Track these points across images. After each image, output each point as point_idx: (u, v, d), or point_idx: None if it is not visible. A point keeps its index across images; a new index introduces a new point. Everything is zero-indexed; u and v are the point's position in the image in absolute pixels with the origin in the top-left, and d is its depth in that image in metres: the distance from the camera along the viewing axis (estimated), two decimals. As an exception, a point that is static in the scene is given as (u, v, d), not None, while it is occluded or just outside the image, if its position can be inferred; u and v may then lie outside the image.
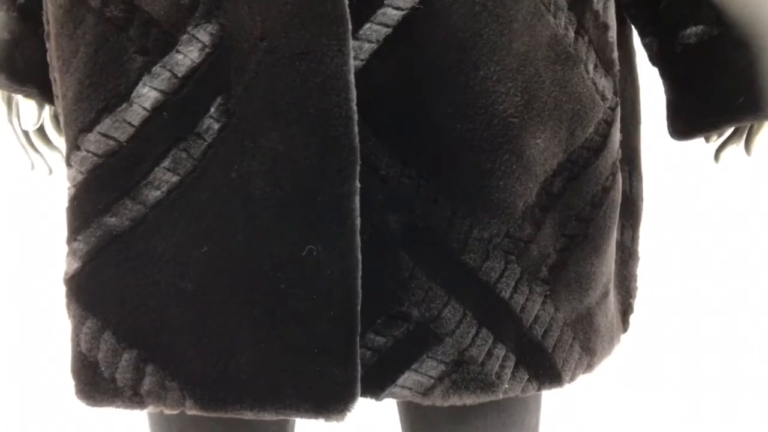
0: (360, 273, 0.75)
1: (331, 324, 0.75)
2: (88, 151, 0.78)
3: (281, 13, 0.71)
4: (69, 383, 0.83)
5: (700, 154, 1.02)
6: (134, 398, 0.80)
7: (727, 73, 0.89)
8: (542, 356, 0.83)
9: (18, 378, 1.96)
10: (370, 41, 0.74)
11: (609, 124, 0.86)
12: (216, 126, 0.75)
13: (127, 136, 0.76)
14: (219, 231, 0.75)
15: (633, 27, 0.98)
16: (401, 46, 0.74)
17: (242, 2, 0.72)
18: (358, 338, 0.76)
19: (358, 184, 0.74)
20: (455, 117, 0.76)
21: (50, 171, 1.01)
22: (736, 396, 1.93)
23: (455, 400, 0.82)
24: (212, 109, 0.74)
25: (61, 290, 0.83)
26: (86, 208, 0.79)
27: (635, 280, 1.03)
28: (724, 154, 0.96)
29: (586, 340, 0.87)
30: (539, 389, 0.85)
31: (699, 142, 0.96)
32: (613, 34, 0.87)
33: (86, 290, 0.80)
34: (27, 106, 0.95)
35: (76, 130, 0.78)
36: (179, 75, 0.74)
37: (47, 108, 0.98)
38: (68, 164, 0.80)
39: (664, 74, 0.94)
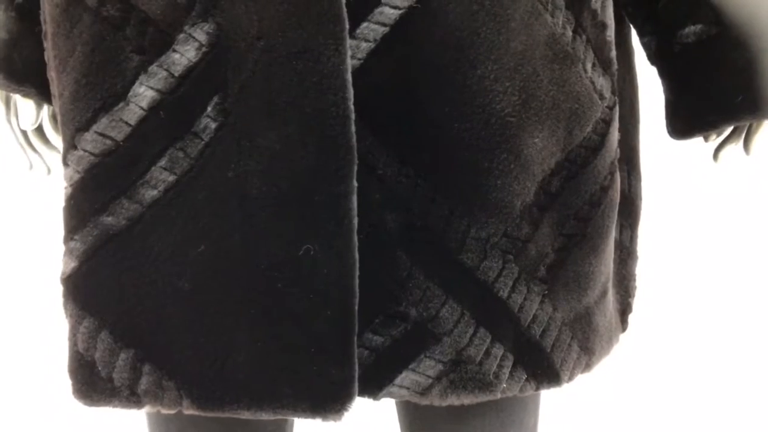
0: (357, 272, 0.75)
1: (328, 323, 0.75)
2: (85, 151, 0.77)
3: (278, 12, 0.71)
4: (66, 383, 0.83)
5: (699, 153, 1.02)
6: (131, 398, 0.80)
7: (726, 73, 0.89)
8: (540, 356, 0.83)
9: (16, 378, 1.96)
10: (367, 40, 0.74)
11: (607, 123, 0.85)
12: (213, 125, 0.74)
13: (124, 135, 0.76)
14: (216, 230, 0.75)
15: (631, 26, 0.97)
16: (398, 45, 0.74)
17: (239, 1, 0.72)
18: (355, 338, 0.76)
19: (355, 184, 0.73)
20: (453, 116, 0.76)
21: (48, 171, 1.01)
22: (735, 396, 1.93)
23: (453, 400, 0.82)
24: (209, 109, 0.74)
25: (58, 290, 0.83)
26: (83, 207, 0.79)
27: (634, 280, 1.02)
28: (722, 153, 0.96)
29: (585, 340, 0.87)
30: (537, 389, 0.84)
31: (698, 141, 0.96)
32: (611, 33, 0.87)
33: (83, 290, 0.80)
34: (25, 105, 0.95)
35: (73, 130, 0.78)
36: (176, 74, 0.74)
37: (46, 108, 0.98)
38: (65, 163, 0.80)
39: (662, 73, 0.94)
